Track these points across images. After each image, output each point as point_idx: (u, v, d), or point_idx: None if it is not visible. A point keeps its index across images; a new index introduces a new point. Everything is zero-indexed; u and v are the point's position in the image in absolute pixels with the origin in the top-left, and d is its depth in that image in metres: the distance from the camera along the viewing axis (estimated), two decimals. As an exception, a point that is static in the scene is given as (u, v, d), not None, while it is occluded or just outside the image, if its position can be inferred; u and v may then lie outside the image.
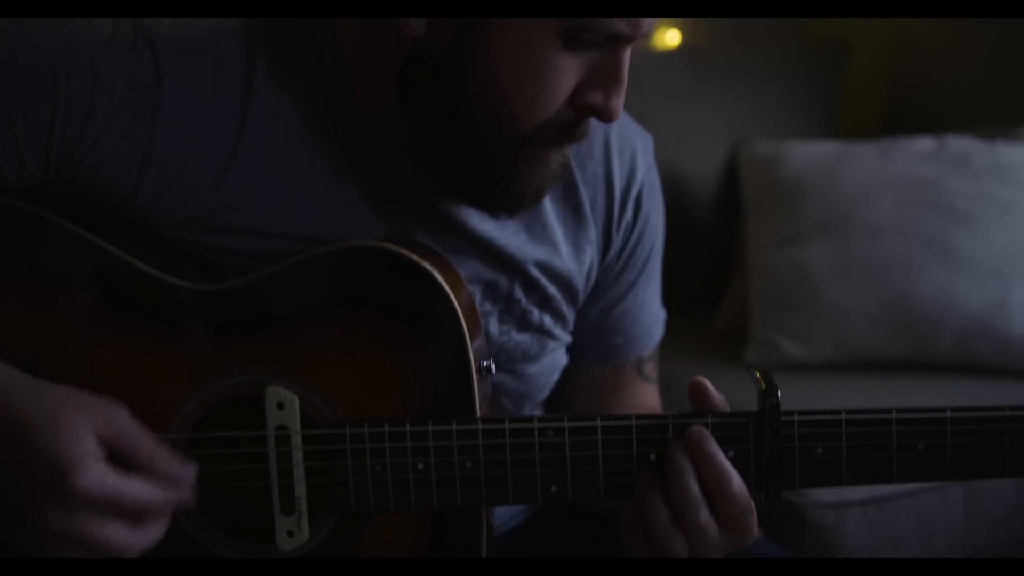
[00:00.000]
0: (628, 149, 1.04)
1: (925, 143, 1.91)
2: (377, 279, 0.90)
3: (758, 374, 0.89)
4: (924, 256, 1.78)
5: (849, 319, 1.79)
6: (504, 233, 0.98)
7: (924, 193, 1.82)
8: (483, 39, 0.86)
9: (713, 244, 2.11)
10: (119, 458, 0.84)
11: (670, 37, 2.36)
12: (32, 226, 0.90)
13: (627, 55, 0.88)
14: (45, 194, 0.91)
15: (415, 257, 0.89)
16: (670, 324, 1.17)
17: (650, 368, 1.14)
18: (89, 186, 0.91)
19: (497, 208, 0.94)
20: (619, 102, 0.88)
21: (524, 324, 1.01)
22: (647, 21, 0.86)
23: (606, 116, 0.89)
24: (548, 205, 1.00)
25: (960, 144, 1.89)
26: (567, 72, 0.86)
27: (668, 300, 1.20)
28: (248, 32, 0.93)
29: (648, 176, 1.07)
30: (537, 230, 1.00)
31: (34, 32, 0.89)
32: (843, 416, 0.86)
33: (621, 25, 0.85)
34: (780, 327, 1.83)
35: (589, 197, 1.02)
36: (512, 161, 0.89)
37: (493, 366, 0.93)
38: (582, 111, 0.88)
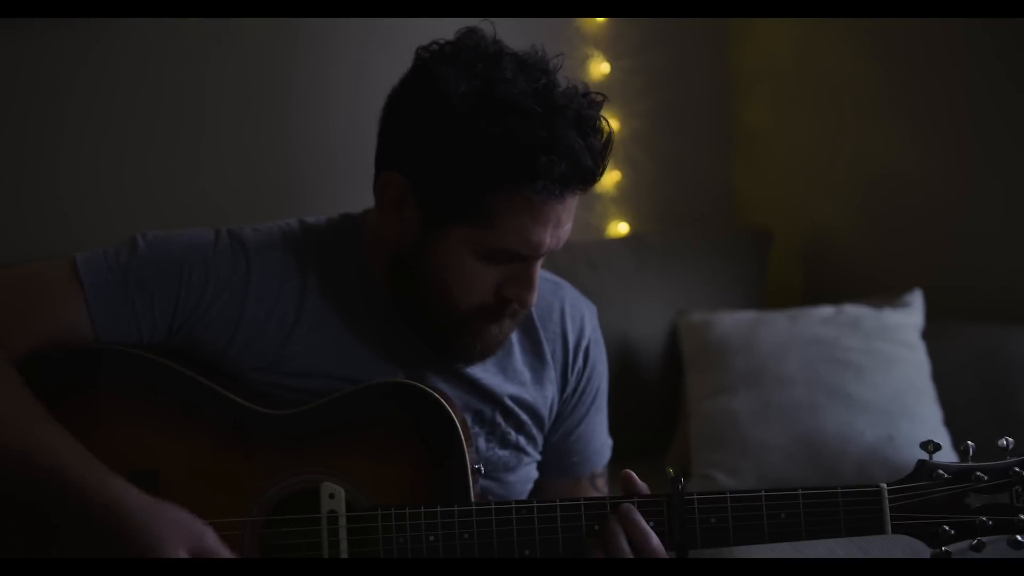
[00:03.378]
0: (578, 315, 1.43)
1: (826, 311, 2.28)
2: (401, 406, 1.26)
3: (670, 469, 1.26)
4: (827, 401, 2.14)
5: (769, 454, 2.13)
6: (487, 375, 1.36)
7: (826, 350, 2.19)
8: (428, 252, 1.24)
9: (661, 399, 2.41)
10: None
11: (620, 227, 2.73)
12: (156, 370, 1.27)
13: (536, 264, 1.24)
14: (164, 351, 1.29)
15: (429, 390, 1.26)
16: (626, 466, 1.45)
17: (601, 483, 1.49)
18: (196, 344, 1.28)
19: (455, 359, 1.30)
20: (531, 296, 1.23)
21: (504, 442, 1.37)
22: (545, 246, 1.21)
23: (523, 306, 1.25)
24: (519, 354, 1.38)
25: (854, 311, 2.27)
26: (487, 277, 1.23)
27: (624, 448, 1.50)
28: (304, 232, 1.33)
29: (594, 335, 1.44)
30: (510, 373, 1.37)
31: (164, 241, 1.29)
32: (728, 495, 1.22)
33: (521, 249, 1.21)
34: (714, 463, 2.17)
35: (550, 349, 1.40)
36: (460, 331, 1.26)
37: (483, 468, 1.29)
38: (504, 301, 1.25)
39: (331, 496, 1.23)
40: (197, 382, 1.27)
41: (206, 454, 1.25)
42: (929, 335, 2.25)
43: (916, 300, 2.29)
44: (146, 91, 2.32)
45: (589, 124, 1.19)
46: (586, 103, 1.20)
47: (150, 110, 2.33)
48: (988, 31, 2.33)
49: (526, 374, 1.38)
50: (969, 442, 1.26)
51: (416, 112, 1.22)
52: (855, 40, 2.58)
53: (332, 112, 2.45)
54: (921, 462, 1.25)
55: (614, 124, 2.88)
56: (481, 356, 1.30)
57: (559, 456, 1.44)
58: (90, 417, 1.25)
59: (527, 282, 1.24)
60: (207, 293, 1.27)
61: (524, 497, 1.41)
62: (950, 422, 2.15)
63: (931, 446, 1.25)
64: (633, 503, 1.23)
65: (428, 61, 1.23)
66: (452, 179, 1.20)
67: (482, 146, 1.18)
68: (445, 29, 1.28)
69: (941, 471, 1.23)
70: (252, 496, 1.24)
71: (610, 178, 2.72)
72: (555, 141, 1.17)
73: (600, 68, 2.69)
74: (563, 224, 1.22)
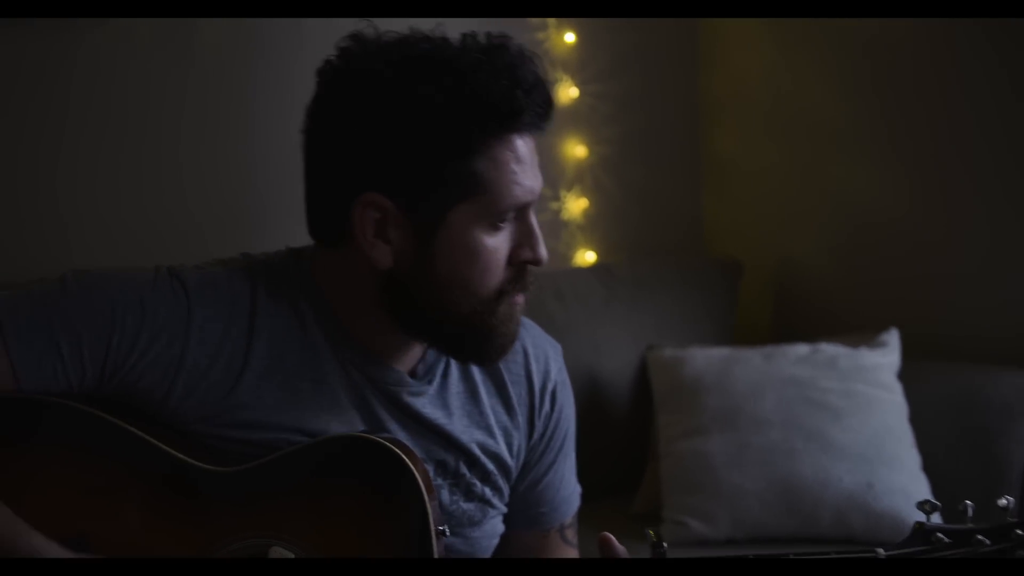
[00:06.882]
0: (542, 355, 1.34)
1: (801, 349, 2.22)
2: (357, 462, 1.16)
3: (651, 532, 1.16)
4: (804, 444, 2.07)
5: (744, 500, 2.05)
6: (451, 421, 1.26)
7: (802, 391, 2.12)
8: (436, 253, 1.16)
9: (629, 437, 2.34)
10: None
11: (587, 256, 2.66)
12: (88, 422, 1.16)
13: (533, 216, 1.19)
14: (97, 401, 1.17)
15: (388, 444, 1.16)
16: (595, 509, 1.41)
17: (571, 534, 1.40)
18: (132, 393, 1.17)
19: (486, 359, 1.23)
20: (542, 249, 1.19)
21: (469, 495, 1.28)
22: (538, 186, 1.19)
23: (537, 263, 1.20)
24: (485, 398, 1.29)
25: (830, 350, 2.20)
26: (500, 247, 1.18)
27: (592, 488, 1.44)
28: (251, 271, 1.22)
29: (560, 376, 1.36)
30: (476, 418, 1.28)
31: (97, 278, 1.18)
32: (713, 559, 1.13)
33: (521, 199, 1.17)
34: (687, 508, 2.09)
35: (516, 393, 1.31)
36: (489, 321, 1.19)
37: (447, 530, 1.19)
38: (521, 266, 1.19)
39: (281, 562, 1.13)
40: (133, 435, 1.16)
41: (143, 516, 1.14)
42: (905, 376, 2.19)
43: (893, 340, 2.23)
44: (133, 95, 2.23)
45: (524, 54, 1.17)
46: (501, 39, 1.18)
47: (139, 114, 2.23)
48: (966, 65, 2.30)
49: (492, 419, 1.29)
50: (968, 502, 1.18)
51: (365, 127, 1.15)
52: (829, 69, 2.55)
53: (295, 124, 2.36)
54: (919, 524, 1.16)
55: (582, 150, 2.84)
56: (510, 346, 1.23)
57: (526, 507, 1.35)
58: (12, 476, 1.13)
59: (532, 236, 1.20)
60: (142, 337, 1.16)
61: (489, 554, 1.32)
62: (928, 467, 2.09)
63: (928, 506, 1.17)
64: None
65: (341, 75, 1.17)
66: (434, 165, 1.14)
67: (450, 119, 1.13)
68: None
69: (940, 535, 1.15)
70: (194, 561, 1.13)
71: (577, 206, 2.66)
72: (514, 77, 1.15)
73: (568, 93, 2.63)
74: (536, 161, 1.20)
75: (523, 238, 1.19)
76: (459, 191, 1.15)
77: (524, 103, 1.14)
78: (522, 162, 1.17)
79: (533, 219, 1.20)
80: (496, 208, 1.16)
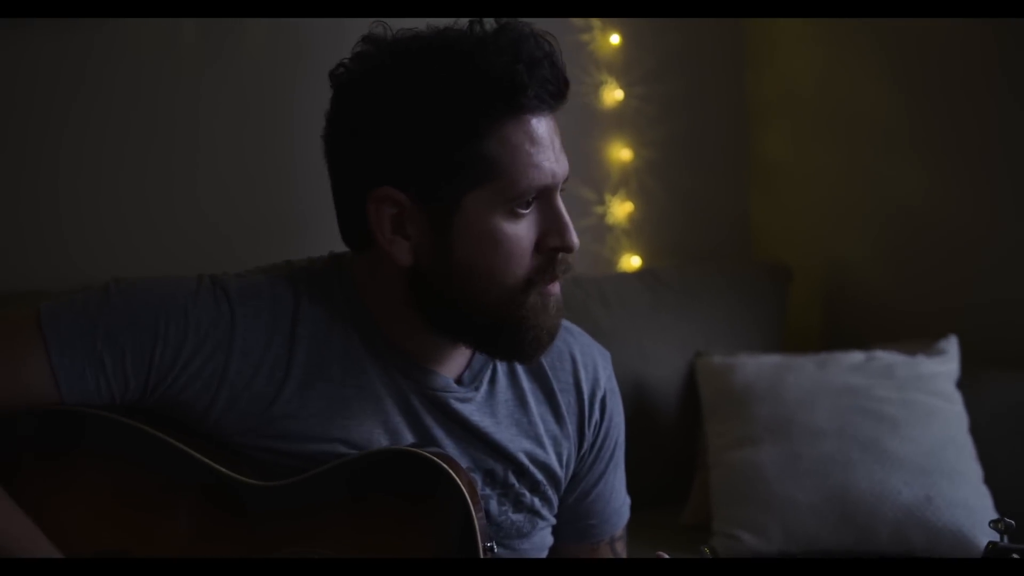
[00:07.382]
0: (591, 363, 1.29)
1: (856, 356, 2.15)
2: (402, 476, 1.12)
3: (706, 550, 1.12)
4: (860, 455, 2.00)
5: (797, 512, 1.99)
6: (499, 429, 1.22)
7: (857, 400, 2.06)
8: (456, 243, 1.12)
9: (677, 446, 2.29)
10: None
11: (632, 261, 2.62)
12: (130, 434, 1.13)
13: (559, 202, 1.13)
14: (138, 412, 1.14)
15: (434, 458, 1.12)
16: (641, 519, 1.36)
17: (621, 547, 1.35)
18: (174, 404, 1.14)
19: (522, 354, 1.16)
20: (572, 236, 1.13)
21: (518, 505, 1.23)
22: (561, 169, 1.13)
23: (568, 250, 1.14)
24: (534, 406, 1.24)
25: (887, 358, 2.14)
26: (523, 234, 1.12)
27: (637, 497, 1.41)
28: (293, 278, 1.19)
29: (609, 384, 1.31)
30: (525, 426, 1.23)
31: (140, 288, 1.15)
32: (776, 580, 1.08)
33: (537, 181, 1.11)
34: (738, 521, 2.03)
35: (565, 402, 1.26)
36: (519, 312, 1.13)
37: (495, 547, 1.15)
38: (550, 254, 1.14)
39: (324, 578, 1.09)
40: (176, 448, 1.13)
41: (183, 531, 1.11)
42: (965, 385, 2.12)
43: (951, 347, 2.16)
44: (145, 95, 2.21)
45: (534, 35, 1.11)
46: (508, 21, 1.13)
47: (148, 116, 2.22)
48: (1016, 63, 2.23)
49: (541, 428, 1.25)
50: (1046, 520, 1.12)
51: (371, 119, 1.12)
52: (877, 69, 2.50)
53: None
54: (992, 544, 1.10)
55: (627, 153, 2.80)
56: (549, 341, 1.16)
57: (576, 519, 1.31)
58: (55, 488, 1.11)
59: (560, 222, 1.13)
60: (186, 348, 1.13)
61: (538, 568, 1.27)
62: (991, 480, 2.02)
63: (1002, 525, 1.11)
64: (667, 590, 1.08)
65: (351, 74, 1.14)
66: (441, 150, 1.10)
67: (453, 100, 1.09)
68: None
69: (1016, 556, 1.09)
70: (236, 577, 1.10)
71: (622, 210, 2.62)
72: (518, 54, 1.09)
73: (613, 95, 2.59)
74: (558, 144, 1.14)
75: (550, 224, 1.13)
76: (471, 176, 1.10)
77: (526, 78, 1.08)
78: (538, 143, 1.11)
79: (559, 204, 1.14)
80: (512, 192, 1.11)
